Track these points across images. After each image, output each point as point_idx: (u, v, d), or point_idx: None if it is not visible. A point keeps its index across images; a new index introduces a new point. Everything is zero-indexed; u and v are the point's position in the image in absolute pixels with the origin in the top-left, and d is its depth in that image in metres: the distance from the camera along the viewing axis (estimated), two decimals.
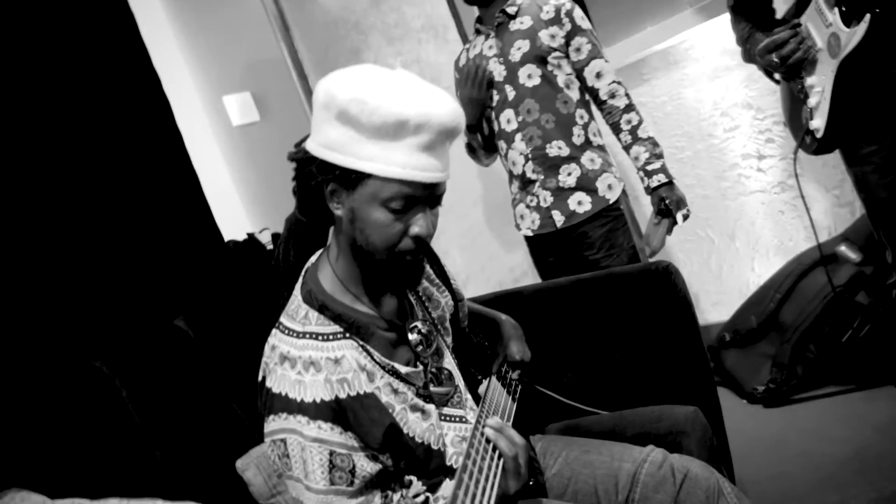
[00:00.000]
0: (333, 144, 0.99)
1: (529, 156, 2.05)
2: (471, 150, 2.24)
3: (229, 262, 1.70)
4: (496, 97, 2.08)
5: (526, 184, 2.10)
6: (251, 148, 2.10)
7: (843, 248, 2.48)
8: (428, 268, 1.31)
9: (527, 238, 2.21)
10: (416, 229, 1.03)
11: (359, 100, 0.94)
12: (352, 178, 0.99)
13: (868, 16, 1.31)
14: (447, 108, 0.99)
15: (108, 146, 1.59)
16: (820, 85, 1.49)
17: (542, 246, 2.17)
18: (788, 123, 1.75)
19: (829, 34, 1.42)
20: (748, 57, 1.72)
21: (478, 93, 2.04)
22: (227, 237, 1.83)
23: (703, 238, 2.89)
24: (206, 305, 1.55)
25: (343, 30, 2.58)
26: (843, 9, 1.38)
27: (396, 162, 0.96)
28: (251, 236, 1.77)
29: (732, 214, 2.80)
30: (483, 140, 2.16)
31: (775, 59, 1.50)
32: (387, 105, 0.94)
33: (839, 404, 2.22)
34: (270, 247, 1.75)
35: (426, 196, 1.03)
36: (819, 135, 1.54)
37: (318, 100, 1.01)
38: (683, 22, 2.70)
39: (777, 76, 1.64)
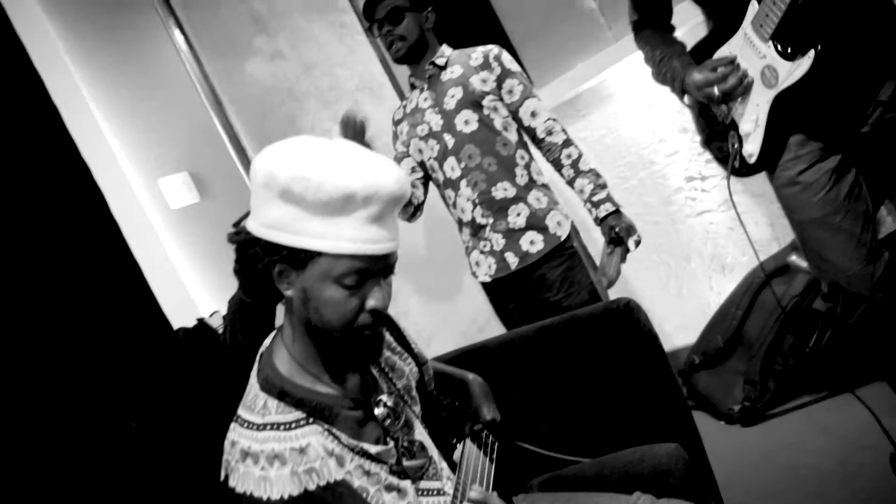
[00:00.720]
0: (278, 224, 0.96)
1: (477, 200, 2.04)
2: None
3: (180, 352, 1.63)
4: (436, 147, 2.08)
5: (477, 229, 2.09)
6: (193, 229, 2.04)
7: (794, 258, 2.51)
8: (388, 336, 1.28)
9: (484, 285, 2.18)
10: (372, 303, 1.00)
11: (301, 177, 0.91)
12: (301, 258, 0.96)
13: (812, 52, 1.34)
14: (393, 175, 0.97)
15: (40, 247, 1.53)
16: (753, 113, 1.52)
17: (500, 291, 2.15)
18: (706, 144, 1.77)
19: (764, 66, 1.45)
20: (661, 79, 1.73)
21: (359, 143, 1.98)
22: (176, 325, 1.76)
23: (659, 263, 2.91)
24: (159, 402, 1.47)
25: (277, 98, 2.56)
26: (779, 44, 1.40)
27: (346, 237, 0.94)
28: (201, 321, 1.70)
29: (684, 237, 2.83)
30: None
31: (717, 93, 1.52)
32: (331, 180, 0.91)
33: (815, 414, 2.22)
34: (222, 330, 1.69)
35: (380, 268, 1.00)
36: (752, 160, 1.57)
37: (257, 179, 0.98)
38: (612, 56, 2.76)
39: (687, 99, 1.67)
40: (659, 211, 2.83)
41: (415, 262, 2.71)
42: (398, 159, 2.21)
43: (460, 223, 2.16)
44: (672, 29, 1.81)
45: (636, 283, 2.98)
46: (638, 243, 2.00)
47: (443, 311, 2.74)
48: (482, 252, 2.11)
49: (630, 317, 1.50)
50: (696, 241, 2.81)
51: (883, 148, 1.53)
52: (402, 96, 2.71)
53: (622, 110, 2.79)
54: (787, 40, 1.40)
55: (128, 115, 2.05)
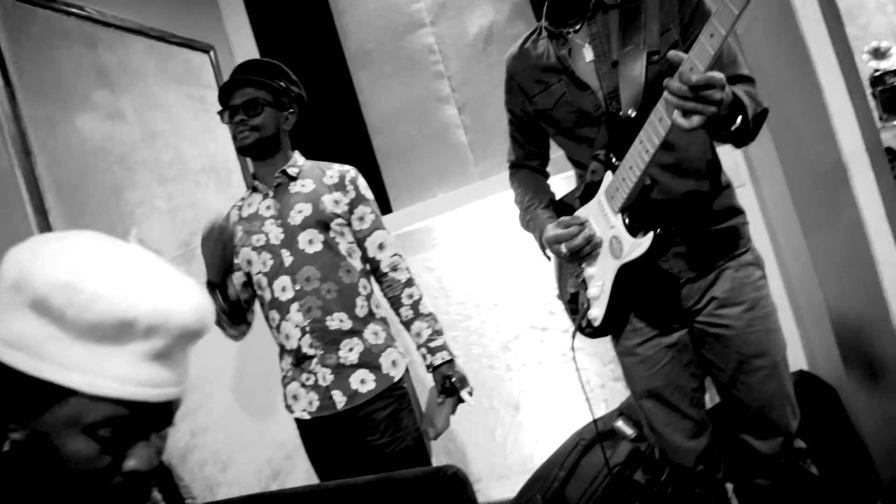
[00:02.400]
0: (19, 341, 0.71)
1: (307, 328, 1.83)
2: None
3: None
4: (270, 262, 1.87)
5: (301, 360, 1.86)
6: None
7: (619, 424, 2.49)
8: (155, 493, 1.01)
9: (299, 421, 1.93)
10: (132, 463, 0.75)
11: (67, 286, 0.69)
12: (44, 393, 0.71)
13: (651, 234, 1.34)
14: (192, 303, 0.76)
15: None
16: (600, 279, 1.50)
17: (318, 431, 1.90)
18: (561, 298, 1.74)
19: (612, 236, 1.44)
20: (525, 225, 1.71)
21: (221, 252, 1.76)
22: None
23: (489, 409, 2.80)
24: None
25: (105, 162, 2.25)
26: (626, 218, 1.40)
27: (113, 374, 0.71)
28: None
29: (517, 385, 2.76)
30: (227, 305, 1.85)
31: (564, 251, 1.49)
32: (108, 297, 0.70)
33: None
34: None
35: (152, 420, 0.76)
36: (596, 324, 1.55)
37: (5, 277, 0.73)
38: (474, 192, 2.74)
39: (548, 251, 1.62)
40: (496, 355, 2.76)
41: (225, 370, 2.40)
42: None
43: (282, 349, 1.92)
44: (547, 175, 1.81)
45: (463, 425, 2.84)
46: (471, 394, 1.89)
47: (248, 431, 2.42)
48: (304, 385, 1.87)
49: (456, 488, 1.32)
50: (528, 392, 2.75)
51: (707, 332, 1.56)
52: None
53: (476, 247, 2.74)
54: (634, 216, 1.41)
55: None
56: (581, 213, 1.53)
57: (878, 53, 2.25)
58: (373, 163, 2.88)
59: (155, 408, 0.75)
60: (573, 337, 1.63)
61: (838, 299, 2.09)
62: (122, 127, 2.33)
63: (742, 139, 1.36)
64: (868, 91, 2.22)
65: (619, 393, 2.62)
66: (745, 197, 2.39)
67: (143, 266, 0.76)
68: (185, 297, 0.76)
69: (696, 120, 1.16)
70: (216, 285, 1.80)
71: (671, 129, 1.21)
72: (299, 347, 1.84)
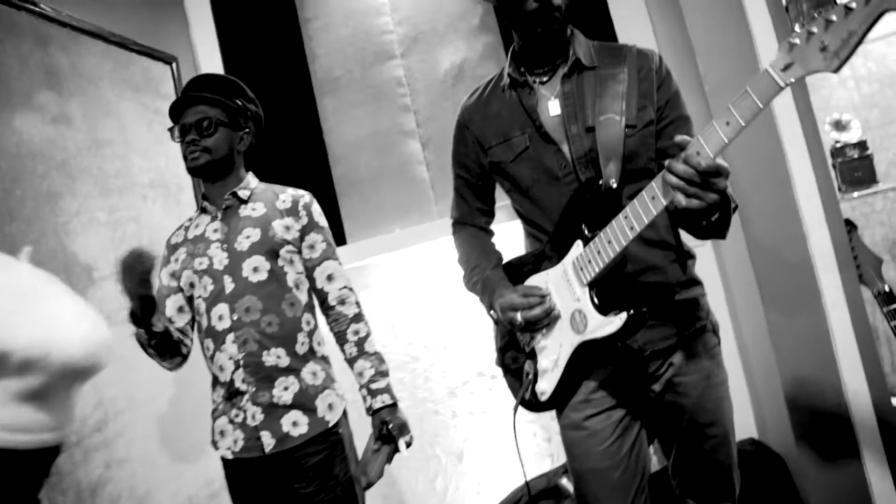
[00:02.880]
0: None
1: (241, 362, 1.71)
2: (141, 344, 1.76)
3: None
4: (210, 288, 1.76)
5: (233, 395, 1.73)
6: None
7: (564, 482, 2.42)
8: None
9: (224, 460, 1.79)
10: None
11: None
12: None
13: (625, 315, 1.27)
14: (79, 334, 0.66)
15: None
16: (554, 352, 1.42)
17: (242, 473, 1.76)
18: (500, 364, 1.64)
19: (576, 309, 1.36)
20: (471, 286, 1.62)
21: (136, 284, 1.56)
22: None
23: (431, 456, 2.69)
24: None
25: (43, 167, 2.12)
26: (595, 294, 1.33)
27: None
28: None
29: (462, 433, 2.66)
30: (152, 338, 1.69)
31: (519, 320, 1.40)
32: None
33: None
34: None
35: (22, 469, 0.65)
36: (544, 398, 1.46)
37: None
38: (432, 230, 2.66)
39: (495, 314, 1.53)
40: (442, 400, 2.65)
41: (154, 396, 2.25)
42: (164, 295, 1.84)
43: (215, 381, 1.80)
44: (491, 234, 1.73)
45: (403, 472, 2.71)
46: (409, 444, 1.78)
47: (172, 465, 2.26)
48: (232, 422, 1.74)
49: None
50: (472, 441, 2.65)
51: (662, 399, 1.50)
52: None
53: (430, 287, 2.66)
54: (604, 294, 1.34)
55: None
56: (539, 280, 1.45)
57: (839, 126, 2.28)
58: (331, 192, 2.79)
59: (25, 456, 0.65)
60: (515, 411, 1.53)
61: (792, 370, 2.06)
62: (67, 132, 2.21)
63: (714, 233, 1.31)
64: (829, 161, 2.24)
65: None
66: (705, 259, 2.36)
67: (26, 290, 0.66)
68: (73, 328, 0.66)
69: (694, 204, 1.11)
70: (139, 318, 1.67)
71: (664, 209, 1.17)
72: (232, 381, 1.72)
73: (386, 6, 2.82)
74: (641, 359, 1.45)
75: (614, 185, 1.34)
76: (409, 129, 2.76)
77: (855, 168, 2.22)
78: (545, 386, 1.44)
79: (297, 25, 2.89)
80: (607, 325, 1.29)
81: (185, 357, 1.83)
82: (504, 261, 1.62)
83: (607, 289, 1.34)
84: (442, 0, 2.76)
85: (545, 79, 1.47)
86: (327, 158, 2.84)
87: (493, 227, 1.75)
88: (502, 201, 1.65)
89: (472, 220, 1.70)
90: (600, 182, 1.35)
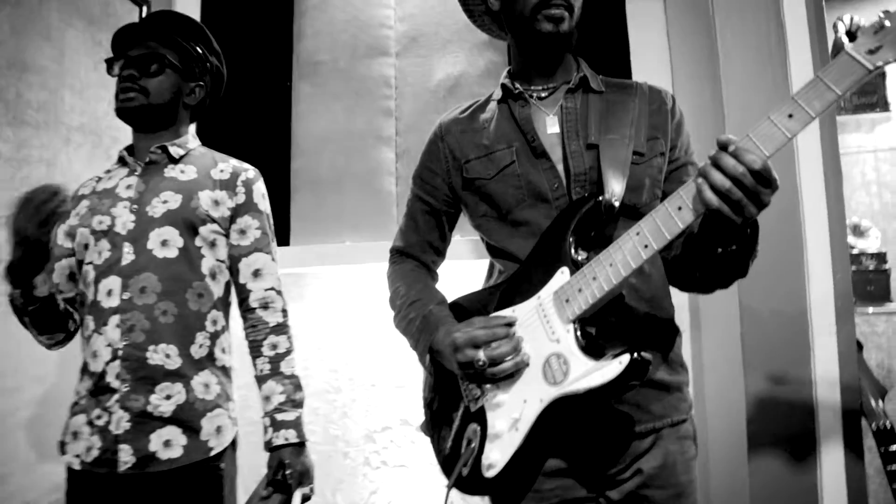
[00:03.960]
0: None
1: (120, 353, 1.37)
2: (15, 309, 1.44)
3: None
4: (105, 254, 1.43)
5: (101, 390, 1.38)
6: None
7: None
8: None
9: (70, 469, 1.42)
10: None
11: None
12: None
13: (628, 358, 0.97)
14: None
15: None
16: (515, 409, 1.09)
17: (87, 489, 1.40)
18: (428, 430, 1.32)
19: (552, 353, 1.06)
20: (404, 325, 1.30)
21: (35, 230, 1.27)
22: None
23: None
24: None
25: None
26: (582, 332, 1.05)
27: None
28: None
29: (370, 484, 2.32)
30: (31, 303, 1.39)
31: (481, 359, 1.08)
32: None
33: None
34: None
35: None
36: (492, 473, 1.11)
37: None
38: (388, 251, 2.35)
39: (429, 362, 1.23)
40: (356, 444, 2.32)
41: (16, 378, 1.87)
42: (55, 256, 1.50)
43: (84, 368, 1.45)
44: (436, 277, 1.44)
45: None
46: (307, 498, 1.45)
47: (16, 460, 1.87)
48: (91, 423, 1.39)
49: None
50: (380, 494, 2.31)
51: None
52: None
53: (371, 312, 2.34)
54: (596, 331, 1.06)
55: None
56: (506, 314, 1.16)
57: (857, 230, 2.09)
58: (284, 184, 2.47)
59: None
60: (448, 491, 1.17)
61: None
62: None
63: (728, 270, 1.09)
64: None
65: None
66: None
67: None
68: None
69: (731, 213, 0.90)
70: (18, 274, 1.33)
71: (692, 223, 0.95)
72: (103, 373, 1.37)
73: None
74: (626, 440, 1.17)
75: (617, 204, 1.11)
76: (386, 135, 2.47)
77: (869, 281, 2.02)
78: (496, 457, 1.10)
79: None
80: (598, 373, 1.00)
81: (69, 335, 1.51)
82: (450, 300, 1.32)
83: (603, 326, 1.07)
84: (451, 4, 2.50)
85: (545, 94, 1.29)
86: (289, 147, 2.53)
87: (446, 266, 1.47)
88: (468, 235, 1.38)
89: (418, 254, 1.42)
90: (600, 198, 1.11)
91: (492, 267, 1.35)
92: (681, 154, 1.27)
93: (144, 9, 2.53)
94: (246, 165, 1.59)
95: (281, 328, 1.52)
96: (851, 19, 2.09)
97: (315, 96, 2.56)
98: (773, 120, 0.87)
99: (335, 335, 2.32)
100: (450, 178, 1.34)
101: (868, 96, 1.92)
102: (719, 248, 1.02)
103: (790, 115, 0.86)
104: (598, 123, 1.21)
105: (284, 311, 1.55)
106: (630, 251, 0.99)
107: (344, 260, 2.33)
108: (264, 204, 1.59)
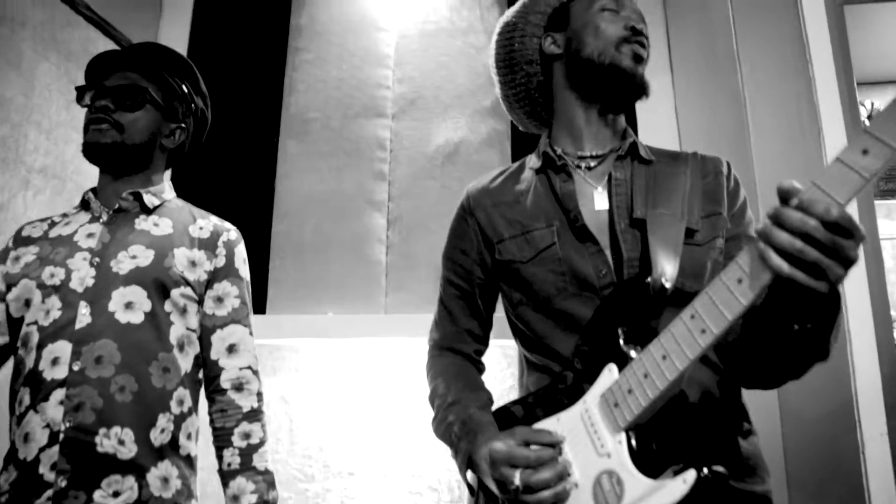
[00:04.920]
0: None
1: (62, 437, 1.11)
2: None
3: None
4: (54, 314, 1.19)
5: (28, 486, 1.11)
6: None
7: None
8: None
9: None
10: None
11: None
12: None
13: (694, 475, 0.78)
14: None
15: None
16: None
17: None
18: None
19: (603, 471, 0.86)
20: (442, 430, 1.10)
21: None
22: None
23: None
24: None
25: None
26: (638, 442, 0.86)
27: None
28: None
29: None
30: None
31: (516, 483, 0.88)
32: None
33: None
34: None
35: None
36: None
37: None
38: (374, 326, 2.14)
39: (470, 476, 1.02)
40: None
41: None
42: None
43: (9, 456, 1.16)
44: (481, 367, 1.25)
45: None
46: None
47: None
48: None
49: None
50: None
51: None
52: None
53: (353, 394, 2.11)
54: (655, 440, 0.87)
55: None
56: (550, 425, 0.97)
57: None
58: (264, 248, 2.27)
59: None
60: None
61: None
62: None
63: (807, 352, 0.88)
64: None
65: None
66: None
67: None
68: None
69: (806, 279, 0.71)
70: None
71: (758, 296, 0.75)
72: (36, 463, 1.11)
73: (390, 59, 2.45)
74: None
75: (668, 285, 0.93)
76: (377, 200, 2.30)
77: None
78: None
79: (284, 51, 2.48)
80: (658, 494, 0.80)
81: None
82: (495, 405, 1.13)
83: (663, 434, 0.88)
84: (454, 69, 2.40)
85: (594, 164, 1.14)
86: (272, 207, 2.34)
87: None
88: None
89: (457, 345, 1.23)
90: (648, 280, 0.94)
91: (526, 362, 1.15)
92: (735, 226, 1.10)
93: None
94: (228, 225, 1.40)
95: (255, 415, 1.30)
96: (872, 105, 2.04)
97: (302, 155, 2.39)
98: (844, 160, 0.69)
99: (311, 416, 2.08)
100: (482, 259, 1.18)
101: (894, 182, 1.84)
102: (794, 325, 0.83)
103: (865, 152, 0.68)
104: (646, 196, 1.07)
105: (259, 395, 1.33)
106: (684, 339, 0.81)
107: (325, 333, 2.11)
108: (245, 270, 1.39)
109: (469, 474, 1.01)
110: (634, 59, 1.09)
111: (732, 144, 1.74)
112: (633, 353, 0.90)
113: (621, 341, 0.93)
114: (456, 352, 1.22)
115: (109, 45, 2.30)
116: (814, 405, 1.57)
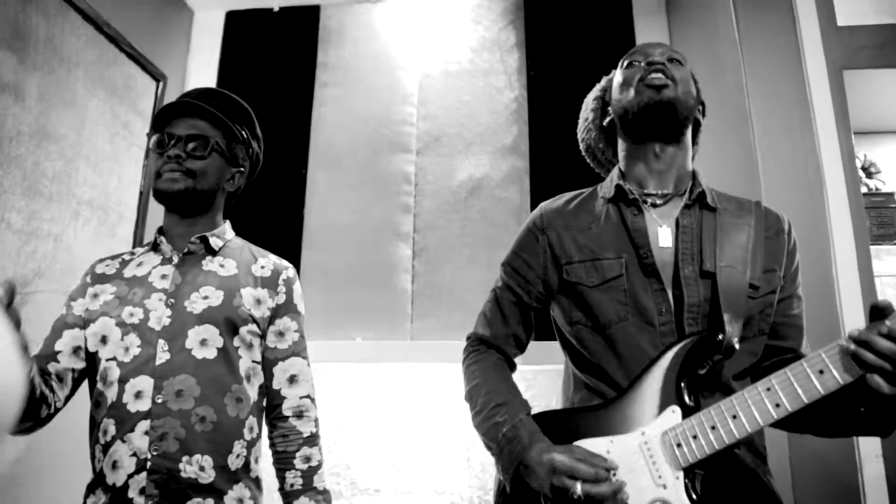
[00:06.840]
0: None
1: (149, 465, 1.21)
2: None
3: None
4: (134, 350, 1.28)
5: None
6: None
7: None
8: None
9: None
10: None
11: None
12: None
13: None
14: None
15: None
16: None
17: None
18: None
19: (657, 498, 0.98)
20: (485, 430, 1.18)
21: None
22: None
23: None
24: None
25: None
26: (694, 484, 0.97)
27: None
28: None
29: None
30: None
31: (578, 493, 0.97)
32: None
33: None
34: None
35: None
36: None
37: None
38: (400, 351, 2.26)
39: (508, 475, 1.12)
40: None
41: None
42: (67, 324, 1.34)
43: (96, 480, 1.25)
44: (514, 369, 1.33)
45: None
46: None
47: None
48: None
49: None
50: None
51: None
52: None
53: (380, 417, 2.21)
54: (707, 482, 0.97)
55: None
56: (599, 448, 1.05)
57: None
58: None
59: None
60: None
61: None
62: (13, 106, 1.77)
63: (877, 429, 1.00)
64: None
65: None
66: None
67: None
68: None
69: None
70: None
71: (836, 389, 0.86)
72: (125, 488, 1.20)
73: (414, 97, 2.57)
74: None
75: (737, 346, 1.04)
76: (403, 231, 2.43)
77: None
78: None
79: (312, 85, 2.60)
80: None
81: (39, 422, 1.26)
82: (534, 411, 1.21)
83: (708, 478, 0.98)
84: (476, 108, 2.53)
85: (660, 202, 1.22)
86: (301, 237, 2.46)
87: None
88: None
89: (504, 346, 1.31)
90: (720, 337, 1.04)
91: (575, 379, 1.26)
92: (789, 285, 1.20)
93: (161, 84, 2.49)
94: (285, 263, 1.50)
95: (313, 439, 1.40)
96: (865, 157, 2.18)
97: (331, 187, 2.51)
98: None
99: (339, 436, 2.18)
100: (546, 275, 1.26)
101: (886, 227, 1.98)
102: (863, 407, 0.96)
103: None
104: (713, 247, 1.15)
105: (316, 421, 1.43)
106: (758, 407, 0.93)
107: (353, 357, 2.22)
108: (301, 305, 1.49)
109: (509, 473, 1.09)
110: (652, 88, 1.18)
111: (745, 193, 1.89)
112: (689, 401, 1.01)
113: (684, 385, 1.03)
114: (501, 352, 1.30)
115: (148, 81, 2.41)
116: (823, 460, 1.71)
